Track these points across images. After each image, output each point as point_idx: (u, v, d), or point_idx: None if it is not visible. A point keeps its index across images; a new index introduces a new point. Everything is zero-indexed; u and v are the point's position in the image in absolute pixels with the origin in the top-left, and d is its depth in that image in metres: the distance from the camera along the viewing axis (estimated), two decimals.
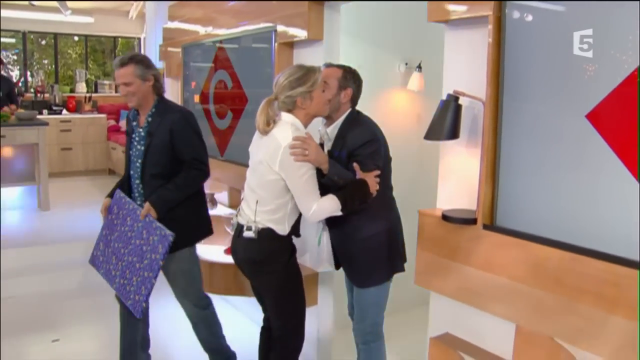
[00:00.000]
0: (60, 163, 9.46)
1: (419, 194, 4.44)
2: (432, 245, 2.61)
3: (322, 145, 2.87)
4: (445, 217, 2.49)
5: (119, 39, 11.93)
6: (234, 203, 4.27)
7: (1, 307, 4.38)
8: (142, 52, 11.46)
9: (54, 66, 11.57)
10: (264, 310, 3.03)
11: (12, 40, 11.74)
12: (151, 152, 3.07)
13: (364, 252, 2.87)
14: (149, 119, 3.10)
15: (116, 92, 11.00)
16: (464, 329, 2.64)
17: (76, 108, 10.35)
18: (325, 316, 3.65)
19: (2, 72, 7.95)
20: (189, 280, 3.33)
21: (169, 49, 5.33)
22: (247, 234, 2.65)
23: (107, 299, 3.27)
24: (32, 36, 11.20)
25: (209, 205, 4.13)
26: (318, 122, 2.92)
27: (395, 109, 4.29)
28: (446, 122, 2.41)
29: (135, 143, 3.17)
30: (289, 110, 2.64)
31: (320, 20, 3.35)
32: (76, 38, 12.23)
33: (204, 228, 3.40)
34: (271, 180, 2.58)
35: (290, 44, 3.60)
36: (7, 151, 7.15)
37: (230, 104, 4.17)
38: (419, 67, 4.09)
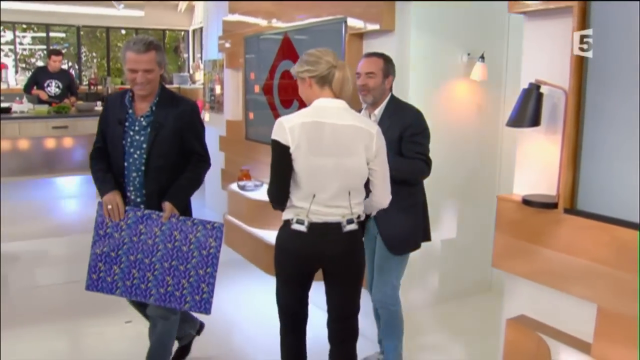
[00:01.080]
0: None
1: (479, 181, 4.54)
2: (510, 229, 2.68)
3: None
4: (526, 202, 2.56)
5: (167, 32, 12.18)
6: None
7: (72, 291, 4.58)
8: (191, 44, 11.68)
9: (103, 59, 11.87)
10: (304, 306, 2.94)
11: (63, 35, 12.07)
12: (158, 143, 2.93)
13: (405, 218, 3.12)
14: (153, 108, 2.94)
15: (166, 83, 11.25)
16: (540, 311, 2.70)
17: None
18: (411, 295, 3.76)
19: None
20: None
21: (230, 40, 5.45)
22: (350, 227, 2.61)
23: None
24: (81, 31, 11.49)
25: None
26: None
27: (457, 100, 4.35)
28: (528, 110, 2.47)
29: (132, 133, 2.97)
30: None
31: (392, 11, 3.44)
32: (123, 31, 12.50)
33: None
34: (364, 170, 2.56)
35: (361, 35, 3.69)
36: (68, 141, 7.40)
37: (296, 94, 4.26)
38: (482, 57, 4.14)
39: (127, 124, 2.95)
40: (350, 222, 2.60)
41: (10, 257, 5.31)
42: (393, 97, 3.17)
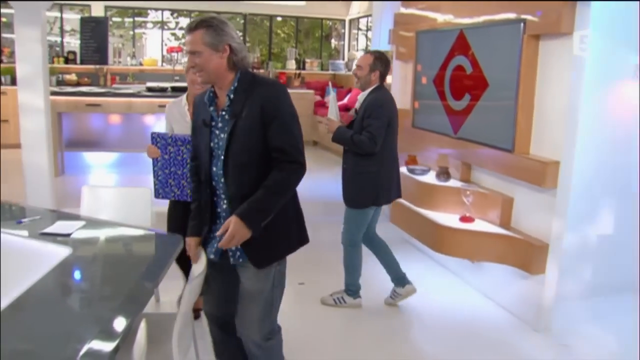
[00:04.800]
0: None
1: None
2: None
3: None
4: None
5: (324, 21, 12.78)
6: (465, 177, 4.72)
7: None
8: (347, 33, 12.17)
9: (257, 45, 12.66)
10: None
11: None
12: (237, 137, 2.47)
13: (355, 181, 4.13)
14: (231, 96, 2.50)
15: (323, 70, 11.89)
16: None
17: (286, 83, 11.35)
18: (550, 285, 4.01)
19: None
20: (266, 307, 2.65)
21: (401, 33, 5.84)
22: None
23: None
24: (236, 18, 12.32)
25: (443, 177, 4.64)
26: None
27: (623, 100, 4.46)
28: None
29: (217, 132, 2.54)
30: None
31: (572, 14, 3.66)
32: (279, 18, 13.25)
33: (300, 236, 2.78)
34: None
35: (537, 36, 3.95)
36: None
37: (468, 87, 4.59)
38: None
39: (213, 123, 2.56)
40: None
41: None
42: (378, 87, 4.12)
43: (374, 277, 4.69)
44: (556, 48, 3.84)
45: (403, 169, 5.09)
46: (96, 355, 1.87)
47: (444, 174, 4.64)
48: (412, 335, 4.04)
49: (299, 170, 2.53)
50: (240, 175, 2.50)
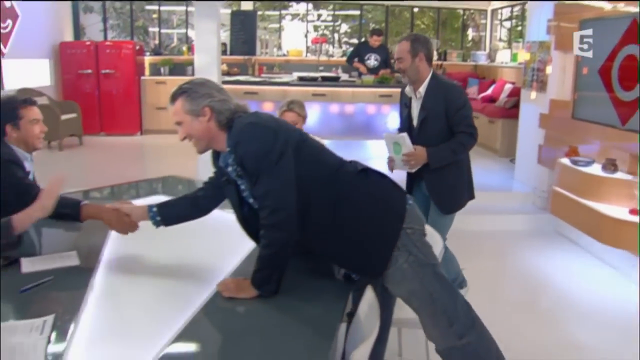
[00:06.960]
0: None
1: None
2: None
3: (407, 105, 3.69)
4: None
5: (466, 11, 12.70)
6: (632, 169, 4.60)
7: None
8: (489, 23, 12.02)
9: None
10: None
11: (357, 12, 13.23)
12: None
13: (453, 182, 3.64)
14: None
15: (464, 61, 11.85)
16: None
17: None
18: None
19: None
20: (429, 310, 2.34)
21: (562, 23, 5.76)
22: None
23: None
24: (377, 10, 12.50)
25: (609, 169, 4.57)
26: None
27: None
28: None
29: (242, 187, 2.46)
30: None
31: None
32: (416, 9, 13.30)
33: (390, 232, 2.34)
34: None
35: None
36: (386, 109, 8.31)
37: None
38: None
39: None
40: None
41: None
42: (434, 75, 3.59)
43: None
44: None
45: (565, 160, 5.05)
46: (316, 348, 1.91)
47: (611, 165, 4.56)
48: (570, 327, 4.02)
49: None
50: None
